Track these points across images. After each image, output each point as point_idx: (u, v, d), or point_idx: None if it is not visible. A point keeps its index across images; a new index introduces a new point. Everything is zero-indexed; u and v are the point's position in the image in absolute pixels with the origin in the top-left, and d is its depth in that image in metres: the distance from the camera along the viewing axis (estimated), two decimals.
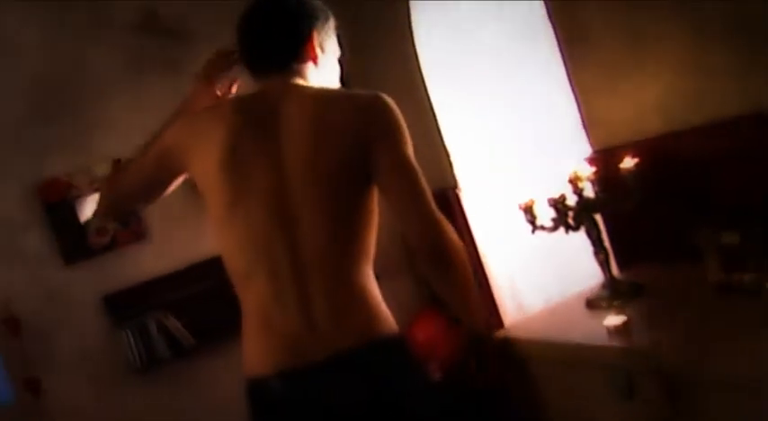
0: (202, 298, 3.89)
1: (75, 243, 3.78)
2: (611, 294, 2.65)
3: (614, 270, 3.12)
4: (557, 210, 2.57)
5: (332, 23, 2.13)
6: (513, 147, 3.67)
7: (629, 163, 2.58)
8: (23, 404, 3.64)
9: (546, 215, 2.75)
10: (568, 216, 2.58)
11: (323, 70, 2.09)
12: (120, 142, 3.85)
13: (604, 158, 2.98)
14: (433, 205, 1.89)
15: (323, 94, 2.00)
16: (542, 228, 2.68)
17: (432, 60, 3.85)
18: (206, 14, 4.06)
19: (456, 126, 3.86)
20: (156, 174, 2.21)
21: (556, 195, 2.58)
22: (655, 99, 2.74)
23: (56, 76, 3.82)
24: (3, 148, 3.71)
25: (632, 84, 2.81)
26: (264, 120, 1.94)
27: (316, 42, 2.04)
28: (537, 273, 3.91)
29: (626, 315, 2.38)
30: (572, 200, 2.66)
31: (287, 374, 1.84)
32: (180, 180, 2.22)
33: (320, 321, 1.84)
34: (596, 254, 2.67)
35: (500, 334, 2.85)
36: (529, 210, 2.67)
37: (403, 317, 4.13)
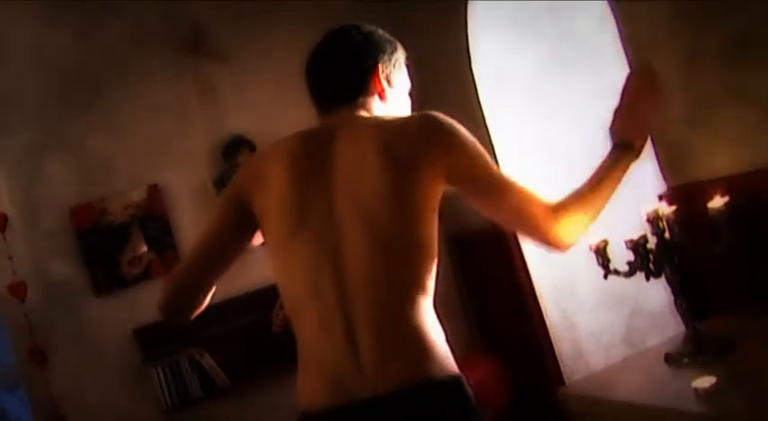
0: (239, 334, 3.67)
1: (107, 272, 3.59)
2: (694, 349, 2.34)
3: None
4: (636, 252, 2.27)
5: (400, 55, 2.05)
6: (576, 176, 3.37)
7: (718, 202, 2.28)
8: None
9: (619, 258, 2.45)
10: (649, 260, 2.28)
11: (390, 104, 2.02)
12: (156, 167, 3.69)
13: (683, 195, 2.68)
14: (531, 211, 1.81)
15: (377, 122, 1.93)
16: (617, 272, 2.38)
17: (488, 79, 3.63)
18: (247, 40, 3.88)
19: (512, 149, 3.61)
20: (225, 228, 2.01)
21: (634, 236, 2.29)
22: (744, 130, 2.45)
23: (92, 98, 3.66)
24: (34, 170, 3.55)
25: (718, 112, 2.52)
26: (319, 152, 1.89)
27: (381, 76, 1.99)
28: (601, 320, 3.64)
29: (714, 375, 2.07)
30: (651, 242, 2.36)
31: (332, 411, 1.74)
32: (254, 238, 2.02)
33: (366, 359, 1.74)
34: (678, 303, 2.36)
35: (561, 391, 2.53)
36: (601, 253, 2.38)
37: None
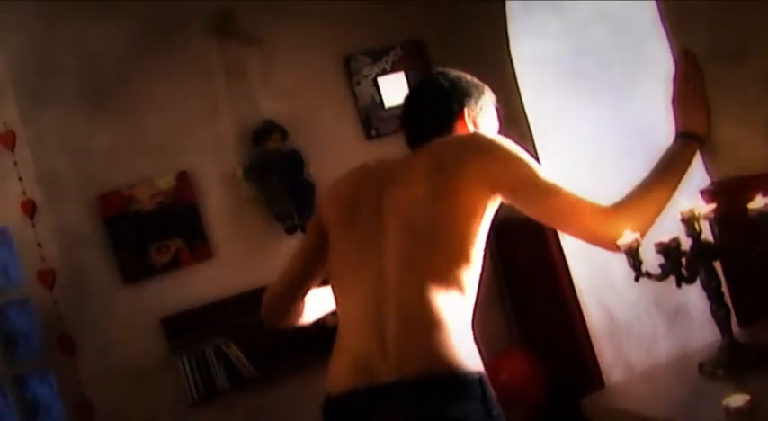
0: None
1: (134, 260, 3.55)
2: (731, 360, 2.16)
3: (735, 328, 2.61)
4: (667, 256, 2.10)
5: (487, 99, 2.18)
6: (618, 171, 3.21)
7: (760, 202, 2.09)
8: None
9: (654, 258, 2.28)
10: (681, 264, 2.10)
11: None
12: (185, 153, 3.63)
13: (727, 192, 2.49)
14: (577, 212, 1.89)
15: (436, 141, 2.05)
16: (648, 275, 2.21)
17: (530, 80, 3.47)
18: (278, 22, 3.78)
19: (554, 146, 3.46)
20: (309, 245, 2.25)
21: (666, 237, 2.11)
22: None
23: (120, 83, 3.60)
24: (62, 157, 3.51)
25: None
26: (386, 166, 2.10)
27: (467, 119, 2.12)
28: (642, 316, 3.47)
29: (750, 392, 1.90)
30: (686, 243, 2.18)
31: (352, 393, 1.86)
32: None
33: (391, 346, 1.84)
34: (714, 310, 2.19)
35: (583, 402, 2.37)
36: (632, 253, 2.20)
37: (486, 352, 3.76)
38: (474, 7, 3.61)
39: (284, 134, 3.66)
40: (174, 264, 3.57)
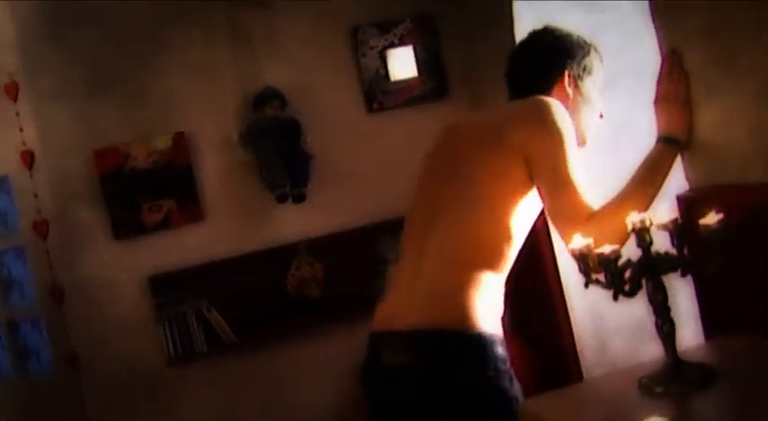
0: (252, 291, 3.62)
1: (126, 217, 3.58)
2: (670, 379, 2.09)
3: (698, 339, 2.54)
4: (606, 269, 2.03)
5: (592, 60, 2.15)
6: (607, 169, 3.11)
7: (711, 218, 2.00)
8: (62, 378, 3.52)
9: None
10: (624, 276, 2.03)
11: (576, 109, 2.12)
12: (184, 114, 3.64)
13: (703, 199, 2.39)
14: (565, 227, 1.93)
15: (502, 107, 2.18)
16: (598, 282, 2.14)
17: None
18: None
19: None
20: None
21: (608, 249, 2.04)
22: None
23: (120, 41, 3.61)
24: (62, 111, 3.55)
25: (753, 102, 2.21)
26: (460, 133, 2.18)
27: (566, 81, 2.10)
28: (631, 314, 3.38)
29: (667, 416, 1.84)
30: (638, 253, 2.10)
31: (376, 335, 2.09)
32: None
33: (416, 301, 1.99)
34: (659, 325, 2.11)
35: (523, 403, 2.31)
36: (583, 259, 2.13)
37: None
38: None
39: (283, 102, 3.63)
40: (165, 224, 3.60)
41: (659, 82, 2.17)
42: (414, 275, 2.04)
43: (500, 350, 1.98)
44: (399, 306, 2.04)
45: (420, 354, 1.97)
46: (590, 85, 2.14)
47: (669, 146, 2.11)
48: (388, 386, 2.05)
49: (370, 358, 2.11)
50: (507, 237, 1.99)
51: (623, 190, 1.98)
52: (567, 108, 2.03)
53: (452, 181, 2.05)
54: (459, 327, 1.94)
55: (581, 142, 2.17)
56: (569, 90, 2.09)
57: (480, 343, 1.95)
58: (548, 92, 2.09)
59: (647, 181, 2.01)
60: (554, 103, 1.98)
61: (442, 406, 1.94)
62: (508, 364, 2.00)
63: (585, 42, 2.16)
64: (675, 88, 2.15)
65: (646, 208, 1.95)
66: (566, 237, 1.93)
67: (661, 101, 2.15)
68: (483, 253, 1.99)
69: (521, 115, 2.01)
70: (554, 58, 2.11)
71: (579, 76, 2.11)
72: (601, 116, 2.23)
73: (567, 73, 2.09)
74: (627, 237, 1.91)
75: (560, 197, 1.91)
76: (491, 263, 2.00)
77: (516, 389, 2.01)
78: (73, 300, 3.50)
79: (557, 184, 1.91)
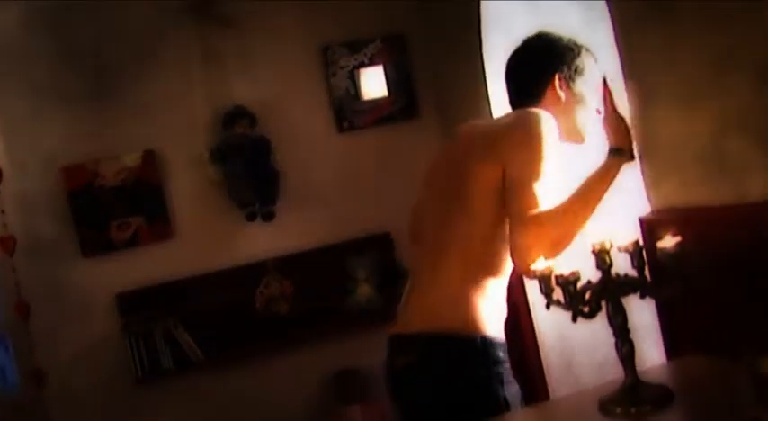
0: (221, 309, 3.62)
1: (94, 234, 3.57)
2: (629, 399, 2.11)
3: (659, 357, 2.57)
4: (565, 291, 2.06)
5: (584, 59, 2.19)
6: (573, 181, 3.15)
7: (669, 241, 2.03)
8: (28, 395, 3.49)
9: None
10: (584, 297, 2.06)
11: (568, 112, 2.17)
12: (154, 132, 3.64)
13: (664, 222, 2.44)
14: (511, 229, 1.97)
15: (479, 125, 2.31)
16: (559, 303, 2.17)
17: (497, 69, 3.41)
18: (259, 7, 3.76)
19: None
20: None
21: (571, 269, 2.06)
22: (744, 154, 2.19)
23: (90, 59, 3.61)
24: (31, 126, 3.54)
25: (715, 126, 2.26)
26: (449, 148, 2.33)
27: (557, 84, 2.14)
28: (597, 341, 3.41)
29: None
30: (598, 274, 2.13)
31: (391, 337, 2.20)
32: None
33: (423, 306, 2.12)
34: (618, 346, 2.14)
35: None
36: (545, 280, 2.16)
37: None
38: (452, 4, 3.55)
39: (253, 120, 3.65)
40: (134, 242, 3.59)
41: (603, 102, 2.25)
42: (422, 281, 2.15)
43: (500, 354, 2.09)
44: (409, 310, 2.17)
45: (423, 357, 2.08)
46: (582, 85, 2.18)
47: (615, 156, 2.17)
48: (399, 386, 2.16)
49: (386, 359, 2.20)
50: (505, 243, 2.03)
51: (569, 195, 2.02)
52: (559, 110, 2.13)
53: (450, 192, 2.12)
54: (461, 331, 2.04)
55: (579, 140, 2.25)
56: (561, 93, 2.14)
57: (482, 346, 2.05)
58: (541, 95, 2.15)
59: (591, 187, 2.06)
60: (539, 117, 2.03)
61: (443, 407, 2.04)
62: (507, 367, 2.11)
63: (576, 44, 2.20)
64: (611, 106, 2.24)
65: (589, 212, 2.02)
66: (512, 235, 1.96)
67: (605, 119, 2.24)
68: (483, 259, 2.07)
69: (507, 127, 2.07)
70: (544, 62, 2.16)
71: (571, 77, 2.16)
72: (598, 112, 2.27)
73: (557, 76, 2.14)
74: (566, 242, 1.98)
75: (515, 198, 1.96)
76: (491, 268, 2.08)
77: (511, 392, 2.12)
78: (39, 316, 3.47)
79: (517, 186, 1.96)
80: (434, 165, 2.32)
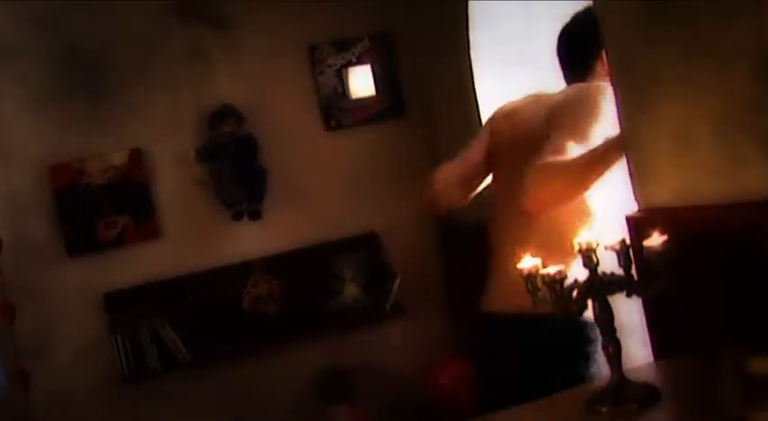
0: (208, 308, 3.60)
1: (80, 234, 3.55)
2: (615, 399, 2.11)
3: (648, 357, 2.56)
4: (552, 290, 2.05)
5: None
6: None
7: (655, 240, 2.03)
8: (13, 396, 3.46)
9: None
10: (572, 296, 2.05)
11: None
12: (141, 131, 3.62)
13: (651, 220, 2.43)
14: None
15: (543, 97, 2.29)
16: (545, 302, 2.17)
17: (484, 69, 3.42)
18: (247, 7, 3.75)
19: None
20: None
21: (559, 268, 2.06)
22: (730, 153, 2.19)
23: (77, 57, 3.58)
24: (15, 124, 3.51)
25: (701, 125, 2.25)
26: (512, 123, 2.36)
27: (605, 59, 2.14)
28: None
29: None
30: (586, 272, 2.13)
31: (483, 316, 2.38)
32: None
33: (506, 286, 2.19)
34: (605, 345, 2.13)
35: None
36: (531, 280, 2.16)
37: (427, 356, 3.74)
38: (441, 4, 3.56)
39: (240, 118, 3.63)
40: (120, 241, 3.58)
41: None
42: (505, 262, 2.17)
43: (591, 333, 2.18)
44: (500, 289, 2.29)
45: (510, 337, 2.22)
46: None
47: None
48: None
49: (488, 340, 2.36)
50: (584, 216, 2.16)
51: (585, 152, 2.08)
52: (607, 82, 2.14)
53: (523, 166, 2.10)
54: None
55: None
56: (605, 68, 2.16)
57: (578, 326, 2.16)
58: (592, 69, 2.23)
59: (606, 150, 2.15)
60: (605, 90, 2.09)
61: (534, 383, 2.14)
62: (597, 348, 2.15)
63: None
64: None
65: (596, 175, 2.14)
66: (525, 179, 2.04)
67: None
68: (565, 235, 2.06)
69: (569, 99, 2.14)
70: (594, 37, 2.15)
71: None
72: None
73: (604, 52, 2.15)
74: (567, 195, 2.11)
75: (549, 154, 2.02)
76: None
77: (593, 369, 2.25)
78: (25, 317, 3.45)
79: (561, 149, 2.03)
80: (498, 141, 2.34)
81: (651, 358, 2.62)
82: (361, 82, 3.85)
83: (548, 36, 3.37)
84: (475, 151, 2.44)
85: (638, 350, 2.99)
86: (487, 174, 2.47)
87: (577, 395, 2.28)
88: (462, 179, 2.45)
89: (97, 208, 3.56)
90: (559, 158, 2.02)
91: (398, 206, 3.89)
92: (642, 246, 2.15)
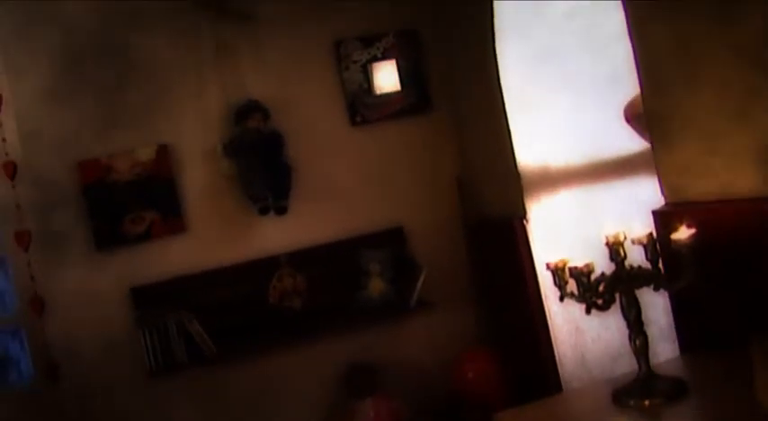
0: (234, 303, 3.63)
1: (108, 228, 3.58)
2: (643, 391, 2.11)
3: (674, 352, 2.58)
4: (579, 283, 2.06)
5: None
6: (590, 178, 3.16)
7: (683, 233, 2.03)
8: (42, 389, 3.51)
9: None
10: (596, 291, 2.05)
11: None
12: (168, 126, 3.65)
13: (677, 214, 2.42)
14: None
15: None
16: (572, 295, 2.17)
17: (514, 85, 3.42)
18: (271, 1, 3.76)
19: (530, 151, 3.42)
20: None
21: (592, 260, 2.07)
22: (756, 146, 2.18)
23: (109, 53, 3.61)
24: (45, 120, 3.54)
25: (727, 119, 2.24)
26: None
27: None
28: (611, 336, 3.40)
29: None
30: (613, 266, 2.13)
31: None
32: None
33: None
34: (632, 338, 2.14)
35: (500, 415, 2.33)
36: (558, 273, 2.16)
37: (452, 350, 3.74)
38: (465, 2, 3.56)
39: (266, 114, 3.65)
40: (147, 236, 3.60)
41: None
42: None
43: None
44: None
45: None
46: None
47: None
48: None
49: None
50: None
51: None
52: None
53: None
54: None
55: None
56: None
57: None
58: None
59: None
60: None
61: None
62: None
63: None
64: None
65: None
66: None
67: None
68: None
69: None
70: None
71: None
72: None
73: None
74: None
75: None
76: None
77: None
78: (54, 310, 3.49)
79: None
80: None
81: (676, 352, 2.61)
82: (387, 77, 3.85)
83: (572, 34, 3.39)
84: None
85: (662, 345, 2.98)
86: None
87: (604, 387, 2.28)
88: None
89: (125, 203, 3.58)
90: None
91: (424, 200, 3.90)
92: (670, 240, 2.15)
